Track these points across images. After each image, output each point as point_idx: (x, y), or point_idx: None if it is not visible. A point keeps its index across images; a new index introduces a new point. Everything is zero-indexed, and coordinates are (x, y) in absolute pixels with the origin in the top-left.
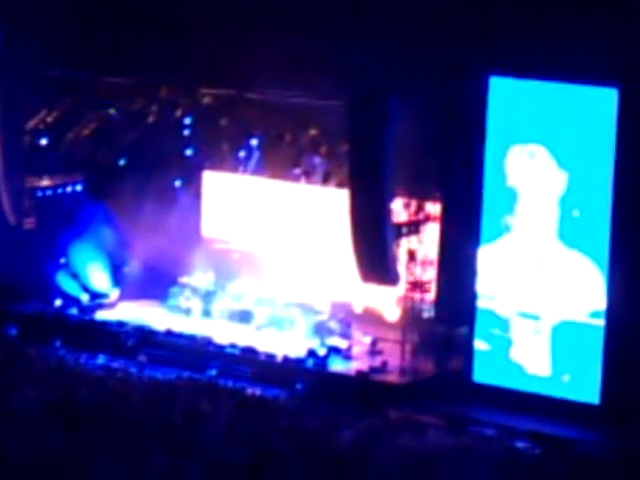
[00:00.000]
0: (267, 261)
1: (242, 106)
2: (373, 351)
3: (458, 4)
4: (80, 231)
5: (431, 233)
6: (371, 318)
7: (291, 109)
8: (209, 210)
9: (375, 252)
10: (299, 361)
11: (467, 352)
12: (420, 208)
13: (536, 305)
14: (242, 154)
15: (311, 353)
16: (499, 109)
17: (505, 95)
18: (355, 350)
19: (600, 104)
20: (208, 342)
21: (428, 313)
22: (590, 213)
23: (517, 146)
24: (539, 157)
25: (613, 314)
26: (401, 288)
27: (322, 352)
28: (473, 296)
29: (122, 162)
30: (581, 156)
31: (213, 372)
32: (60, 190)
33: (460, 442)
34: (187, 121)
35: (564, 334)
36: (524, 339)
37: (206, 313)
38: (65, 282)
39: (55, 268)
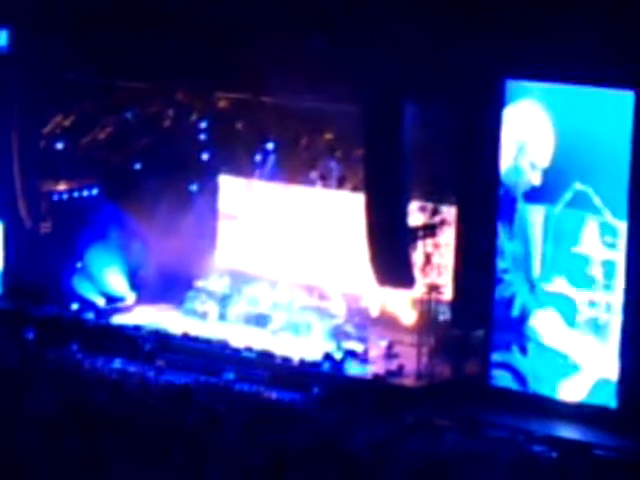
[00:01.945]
0: (282, 265)
1: (258, 110)
2: (389, 355)
3: (473, 7)
4: (96, 235)
5: (447, 236)
6: (387, 321)
7: (306, 113)
8: (225, 214)
9: (391, 255)
10: (315, 365)
11: (483, 355)
12: (436, 211)
13: None
14: (258, 158)
15: (327, 357)
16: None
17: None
18: (371, 354)
19: (616, 107)
20: (224, 346)
21: (444, 316)
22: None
23: None
24: None
25: (630, 317)
26: (417, 291)
27: (338, 356)
28: (490, 299)
29: (138, 166)
30: (597, 159)
31: (230, 376)
32: (76, 194)
33: (476, 446)
34: (203, 125)
35: None
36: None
37: (222, 317)
38: (82, 286)
39: (71, 272)
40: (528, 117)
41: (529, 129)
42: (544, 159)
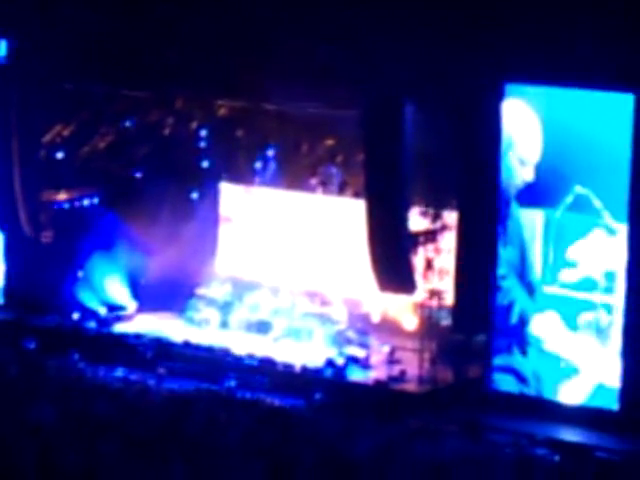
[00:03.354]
0: (283, 271)
1: (258, 117)
2: (391, 360)
3: (473, 11)
4: (97, 244)
5: (448, 241)
6: (389, 327)
7: (307, 119)
8: (226, 221)
9: (392, 261)
10: (317, 371)
11: (485, 360)
12: (437, 217)
13: None
14: (258, 165)
15: (329, 363)
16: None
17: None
18: (373, 359)
19: (616, 110)
20: (226, 353)
21: (446, 321)
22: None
23: None
24: None
25: (632, 319)
26: (419, 297)
27: (340, 362)
28: (490, 305)
29: (138, 174)
30: (596, 161)
31: (231, 383)
32: (77, 203)
33: (479, 450)
34: (203, 133)
35: None
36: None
37: (224, 324)
38: (83, 295)
39: (73, 281)
40: (513, 113)
41: (514, 125)
42: (533, 154)
